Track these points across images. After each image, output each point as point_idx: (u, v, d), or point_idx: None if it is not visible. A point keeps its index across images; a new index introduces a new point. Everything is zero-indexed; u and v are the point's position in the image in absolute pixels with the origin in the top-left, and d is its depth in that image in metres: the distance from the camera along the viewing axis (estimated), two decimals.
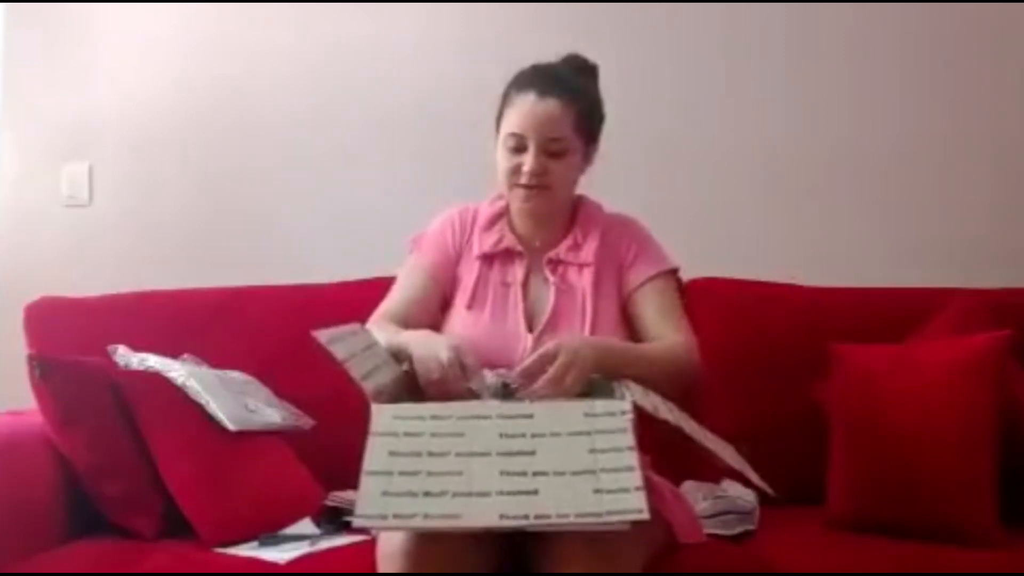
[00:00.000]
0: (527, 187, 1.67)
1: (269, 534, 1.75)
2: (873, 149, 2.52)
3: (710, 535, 1.75)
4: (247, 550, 1.70)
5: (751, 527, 1.86)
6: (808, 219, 2.52)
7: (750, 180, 2.54)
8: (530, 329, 1.67)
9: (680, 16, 2.54)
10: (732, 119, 2.55)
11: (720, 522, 1.84)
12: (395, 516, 1.15)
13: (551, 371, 1.43)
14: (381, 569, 1.38)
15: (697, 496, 1.90)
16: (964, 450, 1.76)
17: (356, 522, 1.16)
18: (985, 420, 1.78)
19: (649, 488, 1.51)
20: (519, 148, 1.66)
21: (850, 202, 2.52)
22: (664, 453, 1.76)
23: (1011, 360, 1.86)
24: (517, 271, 1.73)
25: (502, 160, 1.69)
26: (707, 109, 2.55)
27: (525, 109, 1.65)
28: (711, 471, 2.01)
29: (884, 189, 2.52)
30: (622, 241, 1.75)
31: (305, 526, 1.81)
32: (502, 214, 1.79)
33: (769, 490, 1.42)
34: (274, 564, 1.64)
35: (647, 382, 1.50)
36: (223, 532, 1.74)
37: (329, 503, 1.85)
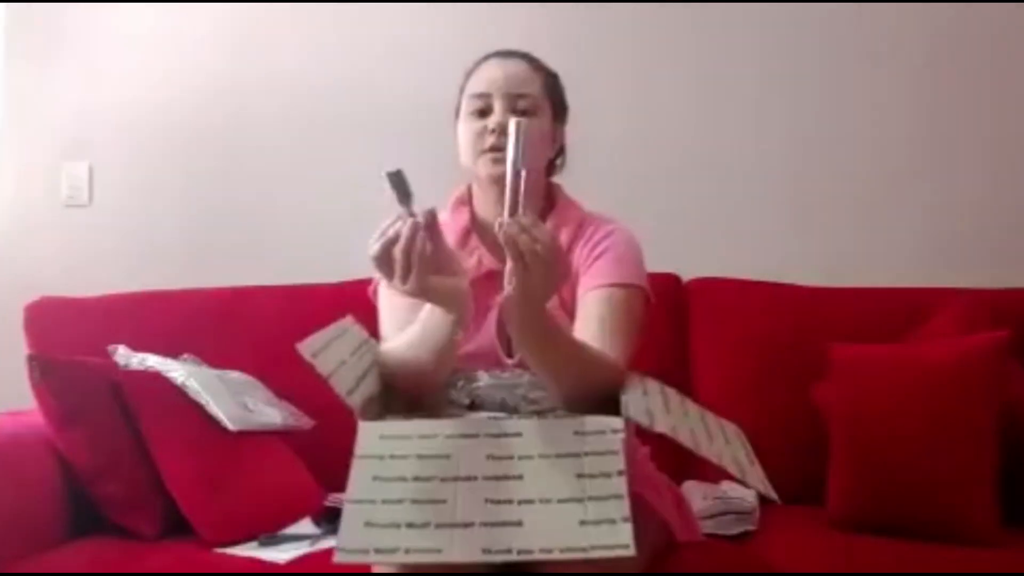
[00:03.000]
0: (494, 149, 1.49)
1: (269, 534, 1.76)
2: (873, 149, 2.52)
3: (710, 535, 1.75)
4: (247, 550, 1.70)
5: (751, 527, 1.86)
6: (808, 219, 2.52)
7: (750, 180, 2.53)
8: (509, 355, 1.50)
9: (682, 17, 2.54)
10: (733, 118, 2.55)
11: (720, 522, 1.84)
12: (376, 551, 1.13)
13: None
14: (376, 569, 1.38)
15: (697, 496, 1.90)
16: (964, 450, 1.76)
17: (337, 558, 1.14)
18: (985, 420, 1.78)
19: (649, 487, 1.52)
20: (484, 111, 1.52)
21: (850, 202, 2.52)
22: (665, 453, 1.75)
23: (1011, 360, 1.86)
24: (496, 295, 1.43)
25: (466, 130, 1.54)
26: (708, 108, 2.55)
27: (489, 70, 1.54)
28: (712, 471, 2.01)
29: (884, 189, 2.51)
30: (588, 246, 1.55)
31: (305, 526, 1.82)
32: (469, 229, 1.59)
33: (774, 495, 1.39)
34: (274, 564, 1.64)
35: (562, 374, 1.35)
36: (223, 532, 1.74)
37: (329, 503, 1.85)
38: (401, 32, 2.60)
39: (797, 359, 2.08)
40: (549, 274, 1.22)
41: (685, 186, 2.53)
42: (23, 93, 2.67)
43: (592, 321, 1.46)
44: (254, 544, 1.73)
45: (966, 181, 2.50)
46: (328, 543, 1.71)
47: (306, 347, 1.28)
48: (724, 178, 2.54)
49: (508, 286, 1.24)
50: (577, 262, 1.54)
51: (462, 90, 1.60)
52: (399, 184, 1.26)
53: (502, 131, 1.48)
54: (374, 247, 1.24)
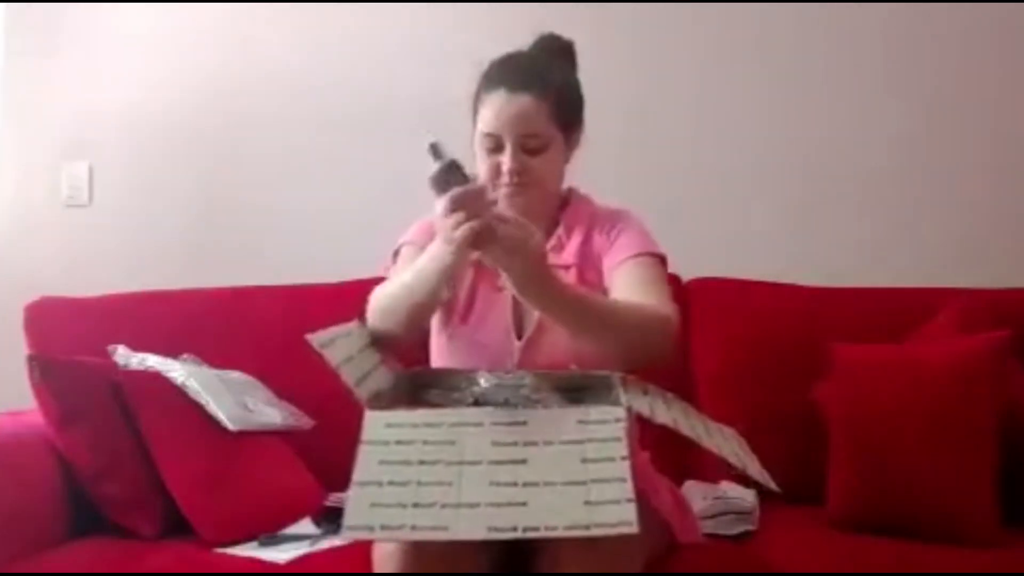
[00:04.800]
0: (509, 186, 1.60)
1: (269, 534, 1.76)
2: (874, 149, 2.52)
3: (710, 535, 1.75)
4: (247, 550, 1.70)
5: (751, 527, 1.86)
6: (808, 219, 2.52)
7: (751, 180, 2.54)
8: (519, 336, 1.61)
9: (684, 16, 2.54)
10: (733, 119, 2.55)
11: (720, 522, 1.84)
12: (383, 527, 1.14)
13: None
14: (377, 569, 1.38)
15: (697, 496, 1.91)
16: (964, 450, 1.76)
17: (344, 533, 1.16)
18: (985, 420, 1.78)
19: (649, 489, 1.52)
20: (496, 148, 1.60)
21: (850, 202, 2.52)
22: (665, 453, 1.76)
23: (1011, 360, 1.86)
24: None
25: (481, 161, 1.62)
26: (708, 108, 2.55)
27: (498, 108, 1.59)
28: (711, 471, 2.01)
29: (884, 189, 2.52)
30: (604, 232, 1.66)
31: (305, 526, 1.82)
32: None
33: (773, 486, 1.41)
34: (274, 564, 1.64)
35: (593, 331, 1.45)
36: (223, 532, 1.74)
37: (329, 503, 1.85)
38: (401, 32, 2.60)
39: (797, 359, 2.08)
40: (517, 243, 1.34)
41: (685, 186, 2.53)
42: (23, 93, 2.67)
43: (628, 287, 1.56)
44: (254, 544, 1.73)
45: (966, 181, 2.50)
46: (328, 543, 1.72)
47: (315, 338, 1.32)
48: (725, 178, 2.54)
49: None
50: (598, 246, 1.65)
51: (475, 110, 1.64)
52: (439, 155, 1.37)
53: (515, 173, 1.58)
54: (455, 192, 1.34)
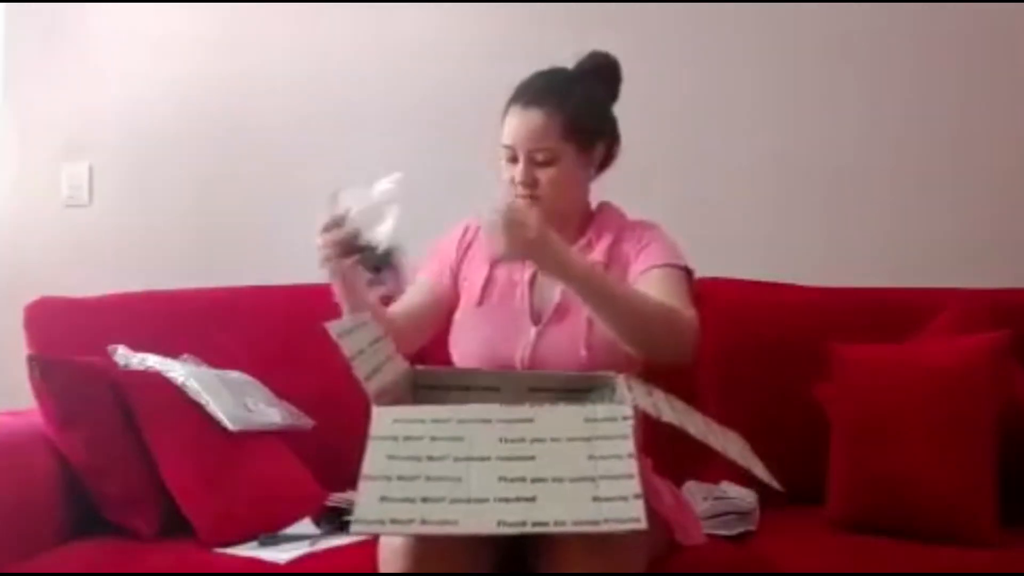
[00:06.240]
0: (521, 197, 1.67)
1: (269, 534, 1.76)
2: (874, 150, 2.52)
3: (710, 535, 1.75)
4: (247, 550, 1.71)
5: (751, 527, 1.86)
6: (809, 220, 2.52)
7: (752, 181, 2.53)
8: (536, 322, 1.67)
9: (688, 17, 2.54)
10: (734, 120, 2.54)
11: (720, 522, 1.84)
12: (392, 522, 1.15)
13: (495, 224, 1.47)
14: (382, 569, 1.38)
15: (697, 497, 1.91)
16: (964, 450, 1.76)
17: (354, 528, 1.16)
18: (985, 420, 1.78)
19: (650, 491, 1.52)
20: (512, 159, 1.68)
21: (851, 202, 2.52)
22: (665, 454, 1.76)
23: (1011, 360, 1.86)
24: (525, 269, 1.73)
25: (502, 170, 1.71)
26: (710, 110, 2.55)
27: (513, 122, 1.68)
28: (711, 472, 2.01)
29: (884, 190, 2.52)
30: (633, 240, 1.73)
31: (305, 526, 1.82)
32: None
33: (776, 484, 1.42)
34: (274, 564, 1.64)
35: (616, 318, 1.50)
36: (223, 532, 1.74)
37: (329, 503, 1.85)
38: (405, 33, 2.59)
39: (797, 359, 2.07)
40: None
41: (685, 186, 2.53)
42: (23, 93, 2.66)
43: (651, 292, 1.59)
44: (254, 544, 1.73)
45: (967, 182, 2.50)
46: (328, 543, 1.72)
47: (334, 326, 1.34)
48: (725, 178, 2.54)
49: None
50: (627, 251, 1.71)
51: (502, 118, 1.71)
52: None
53: (524, 184, 1.66)
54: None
